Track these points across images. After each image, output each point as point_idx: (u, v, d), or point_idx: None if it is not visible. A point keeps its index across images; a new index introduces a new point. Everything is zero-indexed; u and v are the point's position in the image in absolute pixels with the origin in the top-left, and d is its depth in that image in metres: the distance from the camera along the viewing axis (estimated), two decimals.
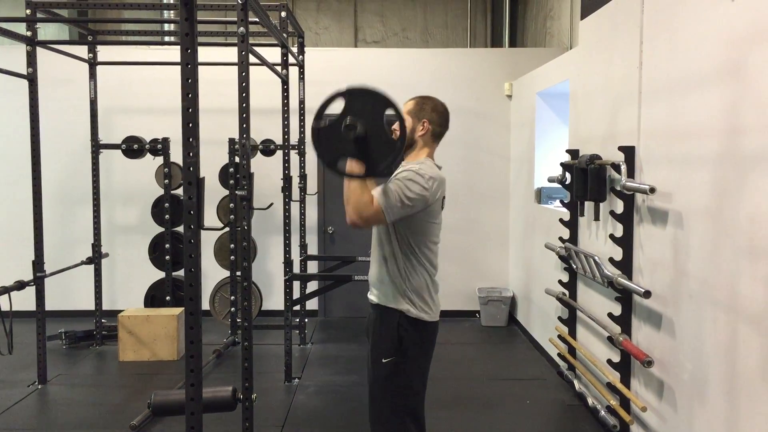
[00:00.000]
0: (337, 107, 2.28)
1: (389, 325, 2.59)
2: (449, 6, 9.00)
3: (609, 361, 3.71)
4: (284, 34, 4.70)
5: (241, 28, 3.39)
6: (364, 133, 2.24)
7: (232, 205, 5.49)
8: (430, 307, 2.66)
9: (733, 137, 2.56)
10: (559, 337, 4.67)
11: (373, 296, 2.69)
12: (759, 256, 2.40)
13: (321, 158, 2.31)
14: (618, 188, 3.48)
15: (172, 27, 6.88)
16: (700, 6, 2.83)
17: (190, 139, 2.17)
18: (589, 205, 4.03)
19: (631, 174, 3.45)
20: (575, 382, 4.42)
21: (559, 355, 4.74)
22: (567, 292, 4.55)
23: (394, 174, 2.48)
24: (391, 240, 2.59)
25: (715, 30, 2.71)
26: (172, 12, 7.16)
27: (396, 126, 2.31)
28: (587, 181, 3.77)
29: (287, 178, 4.96)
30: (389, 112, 2.27)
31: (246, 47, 3.41)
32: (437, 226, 2.70)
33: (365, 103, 2.26)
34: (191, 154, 2.17)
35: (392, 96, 2.28)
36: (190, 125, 2.18)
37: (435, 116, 2.72)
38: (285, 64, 4.75)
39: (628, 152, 3.48)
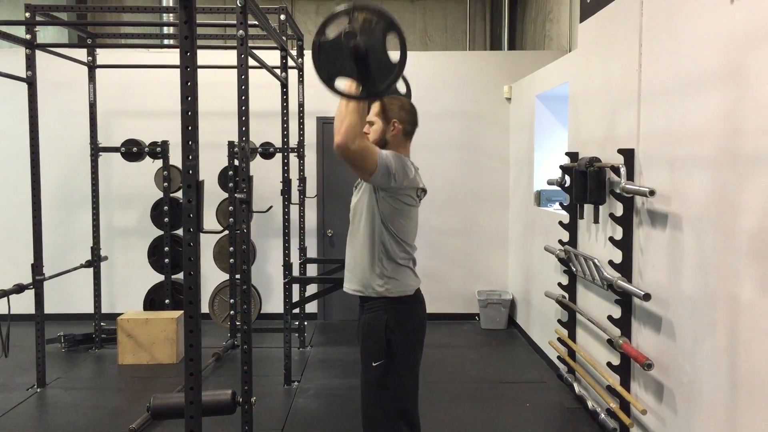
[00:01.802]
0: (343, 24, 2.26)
1: (377, 328, 2.61)
2: (448, 9, 9.01)
3: (609, 364, 3.71)
4: (283, 37, 4.70)
5: (241, 31, 3.40)
6: (364, 50, 2.21)
7: (231, 208, 5.49)
8: (411, 276, 2.71)
9: (733, 140, 2.56)
10: (559, 339, 4.67)
11: (352, 284, 2.71)
12: (758, 259, 2.40)
13: (319, 73, 2.28)
14: (617, 191, 3.48)
15: (171, 30, 6.88)
16: (699, 8, 2.84)
17: (190, 143, 2.17)
18: (588, 208, 4.03)
19: (630, 177, 3.45)
20: (575, 385, 4.42)
21: (558, 357, 4.74)
22: (566, 295, 4.55)
23: None
24: (372, 220, 2.62)
25: (714, 32, 2.71)
26: (171, 15, 7.16)
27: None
28: (587, 183, 3.77)
29: (287, 181, 4.96)
30: (392, 36, 2.25)
31: (245, 50, 3.41)
32: (415, 209, 2.71)
33: (368, 21, 2.23)
34: (191, 157, 2.17)
35: (395, 19, 2.25)
36: (190, 128, 2.18)
37: (404, 114, 2.75)
38: (284, 67, 4.76)
39: (628, 155, 3.48)
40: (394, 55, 2.26)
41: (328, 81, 2.28)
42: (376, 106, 2.71)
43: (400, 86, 3.23)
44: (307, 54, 5.84)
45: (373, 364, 2.60)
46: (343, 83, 2.31)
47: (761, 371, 2.39)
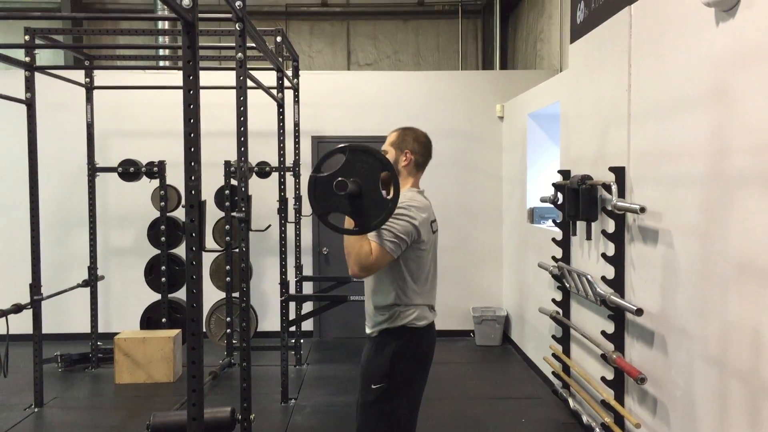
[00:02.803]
0: (338, 162, 2.34)
1: (383, 353, 2.64)
2: (441, 29, 9.13)
3: (603, 379, 3.75)
4: (279, 58, 4.77)
5: (239, 54, 3.47)
6: (357, 191, 2.30)
7: (228, 226, 5.53)
8: (424, 313, 2.76)
9: (720, 158, 2.63)
10: (554, 355, 4.71)
11: (369, 328, 2.75)
12: (747, 275, 2.46)
13: (313, 209, 2.36)
14: (609, 208, 3.54)
15: (166, 52, 6.96)
16: (685, 30, 2.92)
17: (192, 163, 2.21)
18: (581, 225, 4.09)
19: (621, 194, 3.51)
20: (570, 400, 4.45)
21: (553, 373, 4.78)
22: (560, 311, 4.60)
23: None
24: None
25: (701, 54, 2.79)
26: (167, 38, 7.24)
27: (386, 193, 2.36)
28: (579, 201, 3.84)
29: (283, 200, 5.01)
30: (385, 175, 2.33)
31: (244, 72, 3.48)
32: (426, 251, 2.74)
33: (364, 162, 2.31)
34: (193, 178, 2.22)
35: (389, 161, 2.35)
36: (192, 149, 2.23)
37: (417, 146, 2.82)
38: (281, 88, 4.83)
39: (619, 173, 3.55)
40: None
41: (322, 216, 2.37)
42: (391, 136, 2.79)
43: None
44: (303, 74, 5.93)
45: (373, 387, 2.63)
46: (335, 217, 2.39)
47: (752, 385, 2.45)
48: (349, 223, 2.40)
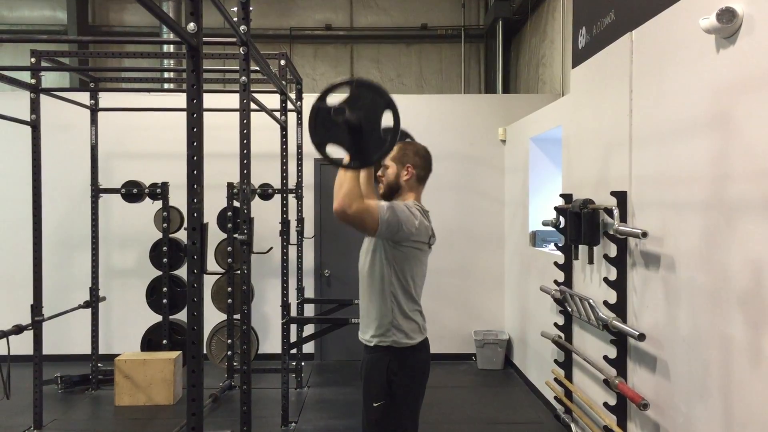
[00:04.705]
0: (343, 95, 2.35)
1: (379, 369, 2.65)
2: (443, 53, 9.20)
3: (605, 404, 3.72)
4: (283, 81, 4.81)
5: (243, 77, 3.49)
6: (357, 124, 2.29)
7: (230, 248, 5.53)
8: (419, 328, 2.74)
9: (722, 184, 2.64)
10: (556, 380, 4.68)
11: (364, 335, 2.75)
12: (748, 301, 2.45)
13: (312, 137, 2.36)
14: (611, 232, 3.54)
15: (171, 75, 7.02)
16: (686, 56, 2.94)
17: (195, 186, 2.22)
18: (583, 249, 4.09)
19: (623, 218, 3.52)
20: (572, 425, 4.42)
21: (555, 398, 4.75)
22: (562, 335, 4.58)
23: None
24: (382, 271, 2.66)
25: (702, 80, 2.81)
26: (171, 61, 7.31)
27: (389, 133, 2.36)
28: (581, 225, 3.84)
29: (285, 222, 5.01)
30: (388, 114, 2.34)
31: (248, 95, 3.50)
32: (421, 261, 2.76)
33: (368, 97, 2.32)
34: (195, 200, 2.23)
35: (395, 100, 2.35)
36: (195, 172, 2.24)
37: (418, 160, 2.83)
38: (284, 110, 4.86)
39: (621, 197, 3.55)
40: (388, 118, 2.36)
41: (319, 146, 2.37)
42: (392, 151, 2.81)
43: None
44: (306, 97, 5.96)
45: (374, 405, 2.64)
46: (333, 149, 2.39)
47: (755, 411, 2.43)
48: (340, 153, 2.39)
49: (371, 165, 2.44)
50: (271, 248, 6.05)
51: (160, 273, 5.85)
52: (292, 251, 5.72)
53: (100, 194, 5.72)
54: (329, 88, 2.33)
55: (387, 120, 2.36)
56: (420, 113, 6.79)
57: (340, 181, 2.43)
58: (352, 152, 2.36)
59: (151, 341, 5.97)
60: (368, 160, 2.36)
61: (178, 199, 5.71)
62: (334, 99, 2.34)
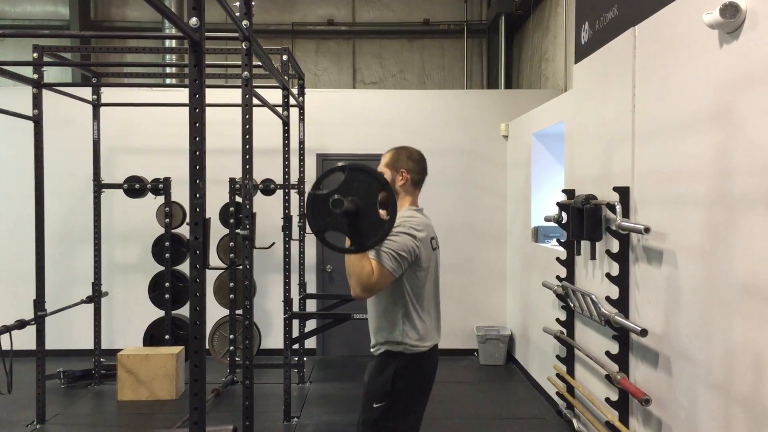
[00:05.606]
0: (337, 180, 2.35)
1: (385, 372, 2.65)
2: (446, 48, 9.19)
3: (607, 400, 3.73)
4: (285, 77, 4.81)
5: (246, 72, 3.49)
6: (354, 210, 2.30)
7: (232, 244, 5.54)
8: (424, 335, 2.72)
9: (724, 179, 2.63)
10: (558, 375, 4.68)
11: (373, 341, 2.75)
12: (751, 297, 2.45)
13: (311, 226, 2.37)
14: (613, 228, 3.54)
15: (173, 70, 7.01)
16: (689, 52, 2.93)
17: (197, 181, 2.22)
18: (585, 245, 4.09)
19: (626, 214, 3.51)
20: (574, 421, 4.42)
21: (557, 393, 4.75)
22: (565, 331, 4.58)
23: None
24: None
25: (704, 75, 2.80)
26: (174, 56, 7.30)
27: (385, 212, 2.36)
28: (583, 220, 3.84)
29: (287, 218, 5.01)
30: (383, 196, 2.34)
31: (250, 91, 3.50)
32: (426, 270, 2.75)
33: (362, 181, 2.32)
34: (198, 195, 2.23)
35: (387, 181, 2.35)
36: (197, 167, 2.24)
37: (412, 165, 2.83)
38: (286, 106, 4.86)
39: (623, 193, 3.55)
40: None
41: (319, 233, 2.37)
42: (385, 157, 2.81)
43: None
44: (308, 92, 5.96)
45: (374, 405, 2.64)
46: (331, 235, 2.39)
47: (757, 406, 2.43)
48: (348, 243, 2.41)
49: (370, 249, 2.46)
50: (273, 243, 6.05)
51: (163, 268, 5.86)
52: (294, 246, 5.73)
53: (103, 189, 5.73)
54: (323, 175, 2.34)
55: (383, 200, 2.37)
56: (422, 109, 6.78)
57: (348, 268, 2.49)
58: (351, 238, 2.37)
59: (153, 336, 5.98)
60: (367, 244, 2.38)
61: (181, 194, 5.72)
62: (329, 184, 2.34)
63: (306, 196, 2.38)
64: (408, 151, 2.86)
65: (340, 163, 2.34)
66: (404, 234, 2.57)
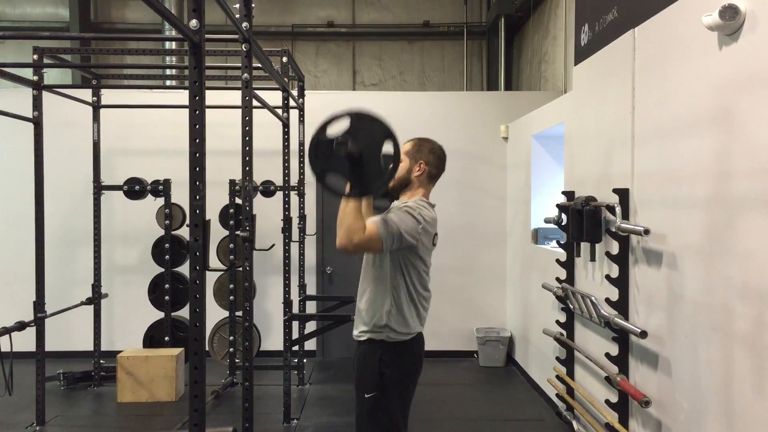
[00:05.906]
0: (343, 126, 2.36)
1: (371, 361, 2.66)
2: (445, 50, 9.19)
3: (607, 401, 3.72)
4: (285, 78, 4.81)
5: (245, 74, 3.49)
6: (358, 154, 2.30)
7: (232, 245, 5.54)
8: (409, 326, 2.71)
9: (724, 181, 2.64)
10: (557, 377, 4.68)
11: (357, 329, 2.76)
12: (751, 297, 2.45)
13: (312, 168, 2.37)
14: (613, 229, 3.54)
15: (173, 72, 7.02)
16: (689, 54, 2.93)
17: (197, 183, 2.23)
18: (585, 246, 4.09)
19: (625, 216, 3.51)
20: (574, 422, 4.42)
21: (557, 395, 4.75)
22: (564, 332, 4.58)
23: (388, 210, 2.60)
24: (383, 268, 2.66)
25: (704, 77, 2.81)
26: (173, 58, 7.31)
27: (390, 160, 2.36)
28: (583, 222, 3.84)
29: (287, 219, 5.02)
30: (387, 145, 2.34)
31: (250, 92, 3.50)
32: (425, 263, 2.76)
33: (368, 128, 2.33)
34: (197, 197, 2.23)
35: (394, 129, 2.35)
36: (197, 169, 2.24)
37: (432, 158, 2.82)
38: (286, 107, 4.86)
39: (623, 194, 3.55)
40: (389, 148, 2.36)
41: (320, 175, 2.38)
42: (406, 145, 2.79)
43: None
44: (308, 94, 5.97)
45: (366, 396, 2.65)
46: (334, 178, 2.40)
47: (757, 409, 2.43)
48: (338, 184, 2.41)
49: (371, 194, 2.46)
50: (273, 245, 6.05)
51: (162, 270, 5.86)
52: (294, 248, 5.73)
53: (102, 191, 5.73)
54: (329, 119, 2.34)
55: (387, 149, 2.36)
56: (422, 110, 6.79)
57: (341, 216, 2.46)
58: (352, 181, 2.37)
59: (153, 338, 5.98)
60: (368, 189, 2.38)
61: (180, 196, 5.72)
62: (334, 129, 2.34)
63: (309, 139, 2.37)
64: (431, 144, 2.86)
65: (347, 108, 2.34)
66: (413, 217, 2.57)
